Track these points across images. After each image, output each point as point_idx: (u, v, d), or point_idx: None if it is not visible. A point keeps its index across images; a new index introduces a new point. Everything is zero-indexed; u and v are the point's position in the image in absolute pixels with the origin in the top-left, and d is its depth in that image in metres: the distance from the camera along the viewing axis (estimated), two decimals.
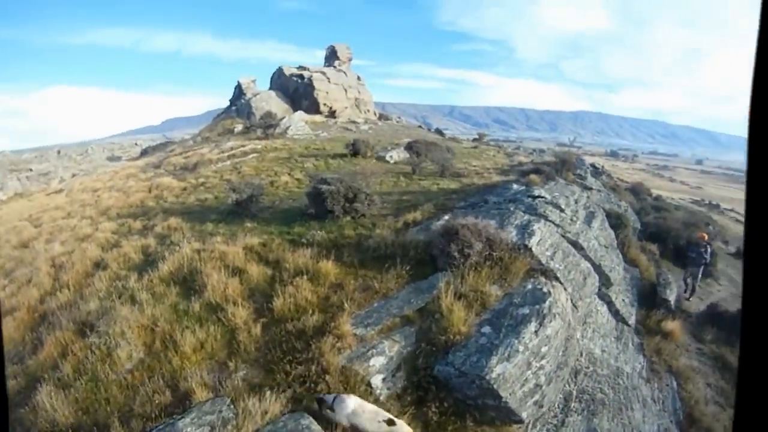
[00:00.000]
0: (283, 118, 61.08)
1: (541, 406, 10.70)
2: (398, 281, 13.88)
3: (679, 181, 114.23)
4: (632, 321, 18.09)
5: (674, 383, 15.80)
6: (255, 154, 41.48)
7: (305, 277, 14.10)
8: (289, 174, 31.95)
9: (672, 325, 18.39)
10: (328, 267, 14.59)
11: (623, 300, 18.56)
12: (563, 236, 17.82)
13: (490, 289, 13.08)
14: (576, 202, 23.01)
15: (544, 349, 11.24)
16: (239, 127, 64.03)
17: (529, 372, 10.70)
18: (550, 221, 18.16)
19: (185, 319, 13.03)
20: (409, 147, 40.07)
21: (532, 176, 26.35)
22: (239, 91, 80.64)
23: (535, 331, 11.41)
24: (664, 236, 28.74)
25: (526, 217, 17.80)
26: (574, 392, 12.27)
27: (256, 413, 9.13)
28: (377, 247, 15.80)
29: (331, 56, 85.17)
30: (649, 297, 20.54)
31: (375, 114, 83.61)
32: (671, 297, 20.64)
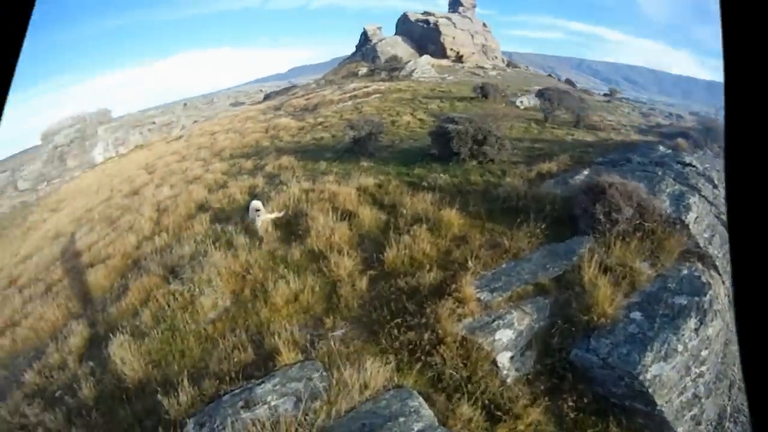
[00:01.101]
0: (409, 61, 59.95)
1: (699, 423, 8.77)
2: (531, 240, 11.68)
3: None
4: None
5: None
6: (378, 95, 40.33)
7: (424, 225, 12.35)
8: (411, 114, 30.40)
9: None
10: (452, 216, 12.64)
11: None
12: (717, 217, 15.01)
13: (640, 266, 10.77)
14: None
15: (704, 353, 9.15)
16: (363, 70, 63.83)
17: (688, 378, 8.78)
18: (704, 197, 15.42)
19: (281, 266, 11.87)
20: (540, 94, 37.40)
21: (680, 140, 23.55)
22: (365, 38, 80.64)
23: (696, 329, 9.23)
24: None
25: (677, 186, 15.19)
26: (729, 409, 9.99)
27: (353, 386, 7.45)
28: (508, 198, 13.84)
29: (455, 2, 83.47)
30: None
31: (503, 61, 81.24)
32: None
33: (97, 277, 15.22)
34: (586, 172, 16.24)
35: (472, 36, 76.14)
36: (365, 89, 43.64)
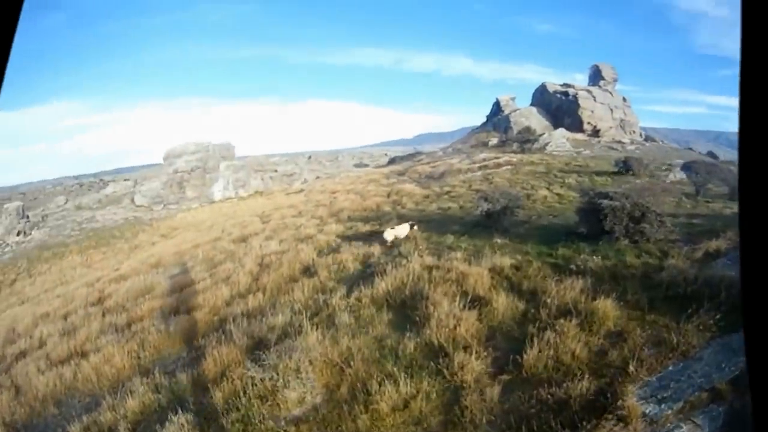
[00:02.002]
0: (543, 134, 58.99)
1: None
2: (701, 334, 9.40)
3: None
4: None
5: None
6: (509, 167, 39.25)
7: (572, 319, 10.14)
8: (547, 189, 28.75)
9: None
10: (607, 307, 10.44)
11: None
12: None
13: None
14: None
15: None
16: (494, 141, 63.09)
17: None
18: None
19: (391, 360, 9.95)
20: (686, 167, 35.71)
21: None
22: (497, 108, 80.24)
23: None
24: None
25: None
26: None
27: None
28: (673, 284, 11.50)
29: (596, 76, 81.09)
30: None
31: (641, 135, 77.61)
32: None
33: (178, 329, 14.23)
34: None
35: (612, 110, 74.13)
36: (496, 160, 42.88)
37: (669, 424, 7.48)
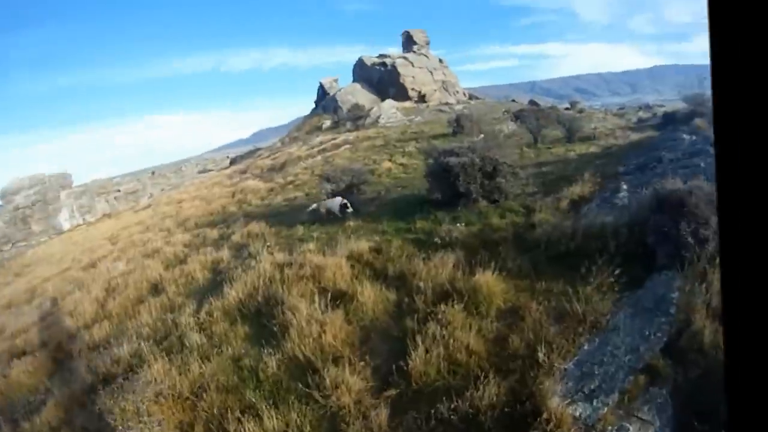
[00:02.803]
0: (372, 108, 58.19)
1: None
2: (605, 297, 8.32)
3: None
4: None
5: None
6: (348, 146, 38.46)
7: (455, 303, 8.55)
8: (390, 160, 27.94)
9: None
10: (489, 281, 9.00)
11: None
12: None
13: None
14: None
15: None
16: (327, 123, 61.97)
17: None
18: None
19: (251, 384, 8.15)
20: (517, 117, 35.79)
21: (698, 121, 23.12)
22: (323, 92, 78.72)
23: None
24: None
25: None
26: None
27: None
28: (551, 242, 10.51)
29: (408, 42, 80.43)
30: None
31: (465, 94, 78.83)
32: None
33: (20, 377, 12.15)
34: (625, 187, 13.97)
35: (431, 73, 74.03)
36: (333, 141, 42.10)
37: (611, 427, 6.15)
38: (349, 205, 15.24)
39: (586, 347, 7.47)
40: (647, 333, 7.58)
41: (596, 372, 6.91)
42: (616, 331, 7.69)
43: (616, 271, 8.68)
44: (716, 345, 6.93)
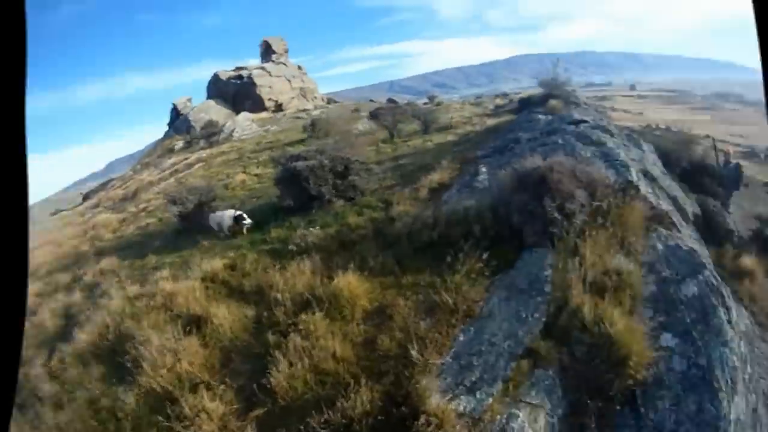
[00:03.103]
0: (226, 123, 55.72)
1: None
2: (476, 283, 8.08)
3: (621, 110, 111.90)
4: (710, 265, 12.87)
5: None
6: (201, 164, 37.33)
7: (316, 310, 8.03)
8: (244, 172, 27.29)
9: (750, 261, 13.68)
10: (351, 283, 8.51)
11: (694, 238, 13.46)
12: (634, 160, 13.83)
13: (621, 262, 8.32)
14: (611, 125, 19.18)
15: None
16: (180, 144, 59.41)
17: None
18: (611, 149, 13.86)
19: (111, 428, 7.42)
20: (373, 115, 36.08)
21: (553, 102, 22.40)
22: (176, 113, 75.61)
23: (732, 325, 7.23)
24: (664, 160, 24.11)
25: (592, 148, 13.64)
26: None
27: None
28: (413, 233, 10.25)
29: (267, 51, 78.94)
30: (706, 230, 15.61)
31: (324, 99, 78.17)
32: (734, 226, 16.88)
33: None
34: (484, 169, 14.00)
35: (290, 81, 73.50)
36: (185, 161, 40.69)
37: (499, 417, 5.86)
38: (245, 216, 13.67)
39: (461, 338, 7.21)
40: (524, 315, 7.45)
41: (475, 363, 6.64)
42: (491, 317, 7.53)
43: (484, 256, 8.44)
44: (598, 319, 6.91)
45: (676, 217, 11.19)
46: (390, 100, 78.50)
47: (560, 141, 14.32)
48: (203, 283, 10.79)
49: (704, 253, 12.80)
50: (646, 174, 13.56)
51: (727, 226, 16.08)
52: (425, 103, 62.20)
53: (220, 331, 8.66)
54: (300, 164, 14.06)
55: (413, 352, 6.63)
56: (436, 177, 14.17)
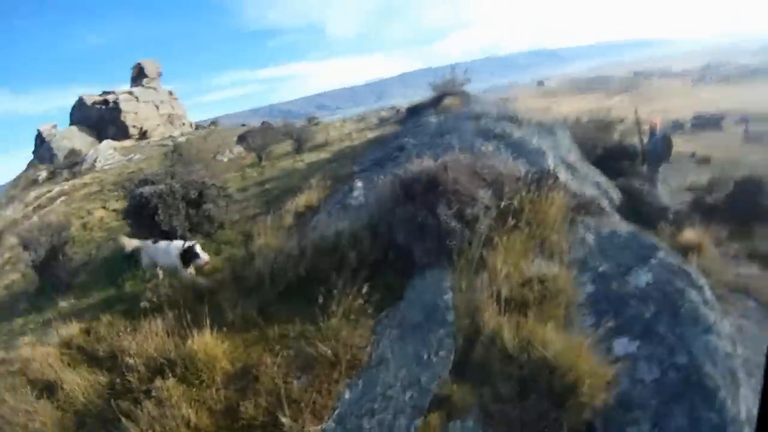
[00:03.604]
0: (89, 152, 54.44)
1: None
2: (359, 324, 7.36)
3: (526, 108, 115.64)
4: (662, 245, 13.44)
5: (752, 302, 12.10)
6: (64, 197, 36.09)
7: (170, 375, 7.22)
8: (103, 208, 26.12)
9: (693, 234, 13.81)
10: (207, 342, 7.59)
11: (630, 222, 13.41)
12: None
13: (543, 267, 7.47)
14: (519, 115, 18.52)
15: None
16: (43, 174, 57.24)
17: None
18: (521, 138, 13.75)
19: None
20: (242, 138, 36.42)
21: (448, 101, 22.29)
22: (40, 140, 73.23)
23: (710, 306, 6.76)
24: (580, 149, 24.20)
25: (495, 141, 13.28)
26: None
27: None
28: (277, 270, 9.22)
29: (139, 75, 77.67)
30: (636, 214, 15.32)
31: (191, 126, 76.97)
32: (668, 202, 16.86)
33: None
34: (360, 184, 13.41)
35: (158, 107, 72.67)
36: (48, 195, 39.31)
37: None
38: (197, 248, 10.56)
39: (347, 396, 6.37)
40: (426, 356, 6.56)
41: (367, 426, 5.88)
42: (383, 365, 6.68)
43: (364, 289, 7.57)
44: (524, 343, 6.00)
45: (605, 203, 11.14)
46: (264, 123, 78.65)
47: (455, 141, 13.46)
48: (60, 348, 10.06)
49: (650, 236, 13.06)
50: (563, 161, 13.39)
51: (660, 204, 15.98)
52: (305, 126, 63.08)
53: (72, 397, 7.98)
54: (147, 190, 12.78)
55: (284, 419, 5.87)
56: (302, 199, 13.66)
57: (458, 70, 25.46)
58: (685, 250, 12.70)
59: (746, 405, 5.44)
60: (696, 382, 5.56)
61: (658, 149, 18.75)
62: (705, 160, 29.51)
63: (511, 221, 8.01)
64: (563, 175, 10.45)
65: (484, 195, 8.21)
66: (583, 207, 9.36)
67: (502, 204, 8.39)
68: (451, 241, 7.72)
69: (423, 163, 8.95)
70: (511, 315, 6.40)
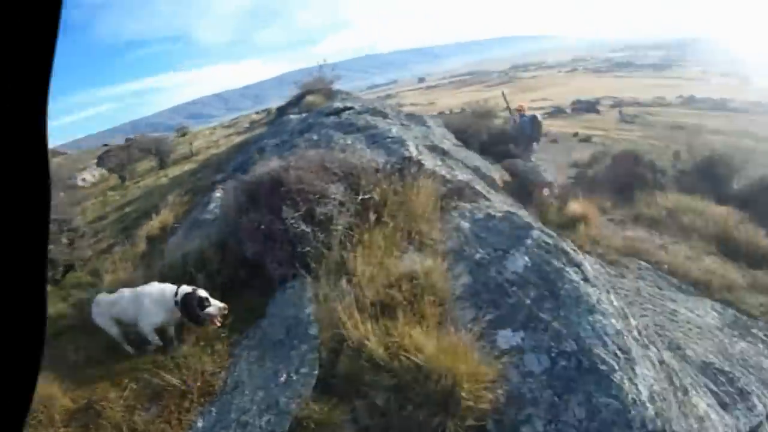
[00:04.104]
0: None
1: None
2: (213, 348, 7.10)
3: (410, 104, 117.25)
4: (537, 223, 12.89)
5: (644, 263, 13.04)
6: None
7: None
8: None
9: (578, 206, 15.08)
10: (41, 384, 6.55)
11: (511, 203, 13.64)
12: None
13: (412, 262, 7.13)
14: (386, 107, 18.76)
15: None
16: None
17: None
18: (382, 129, 13.14)
19: None
20: (101, 160, 35.23)
21: (310, 98, 22.85)
22: None
23: (591, 282, 6.54)
24: (459, 138, 23.47)
25: (356, 134, 12.85)
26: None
27: None
28: None
29: None
30: (525, 194, 16.23)
31: None
32: (552, 178, 17.87)
33: None
34: (219, 195, 12.70)
35: None
36: None
37: None
38: (206, 299, 7.20)
39: (200, 424, 6.08)
40: (285, 376, 6.15)
41: None
42: (239, 389, 6.33)
43: (228, 320, 7.21)
44: (396, 349, 5.58)
45: (482, 186, 10.79)
46: (128, 140, 76.43)
47: (315, 137, 13.38)
48: None
49: (524, 213, 12.71)
50: (435, 148, 13.19)
51: (543, 180, 16.73)
52: (180, 136, 61.62)
53: None
54: None
55: None
56: (156, 221, 13.25)
57: (326, 69, 25.66)
58: (573, 222, 14.30)
59: (646, 382, 5.29)
60: (588, 368, 5.36)
61: (527, 130, 20.05)
62: (587, 139, 31.16)
63: (372, 216, 7.66)
64: (430, 162, 10.26)
65: (337, 190, 7.84)
66: (456, 192, 9.14)
67: (359, 198, 8.00)
68: (304, 247, 7.33)
69: (269, 165, 8.59)
70: (378, 320, 6.04)
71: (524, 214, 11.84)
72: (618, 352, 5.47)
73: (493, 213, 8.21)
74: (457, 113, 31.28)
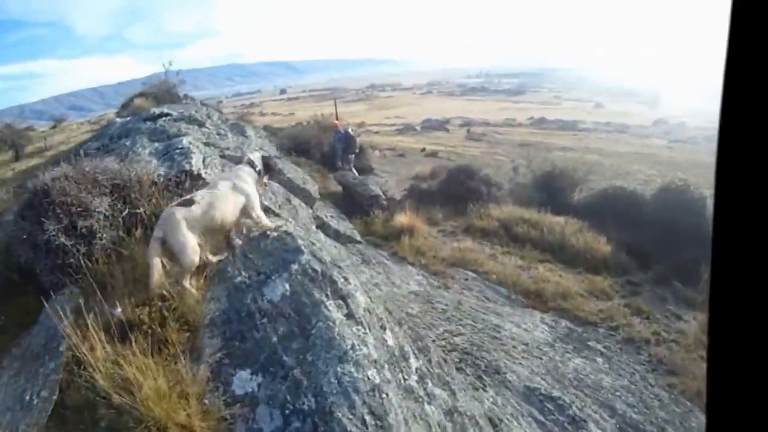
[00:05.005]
0: None
1: None
2: None
3: (270, 113, 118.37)
4: (358, 236, 14.49)
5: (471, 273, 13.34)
6: None
7: None
8: None
9: (405, 218, 15.29)
10: None
11: (331, 215, 14.99)
12: (223, 156, 13.04)
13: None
14: (209, 116, 19.61)
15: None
16: None
17: None
18: (179, 140, 12.58)
19: None
20: None
21: (138, 101, 23.25)
22: None
23: (357, 319, 5.44)
24: (302, 149, 25.34)
25: (157, 144, 12.61)
26: None
27: None
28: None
29: None
30: (348, 202, 17.29)
31: None
32: (378, 191, 17.93)
33: None
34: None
35: None
36: None
37: None
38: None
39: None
40: (28, 397, 5.19)
41: None
42: None
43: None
44: (119, 381, 4.61)
45: (283, 199, 11.20)
46: (7, 126, 72.92)
47: (128, 143, 13.15)
48: None
49: (346, 225, 14.72)
50: (240, 160, 12.22)
51: (370, 193, 17.04)
52: (53, 126, 59.35)
53: None
54: None
55: None
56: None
57: (171, 74, 25.92)
58: (399, 234, 14.56)
59: None
60: None
61: (343, 144, 20.84)
62: (433, 154, 31.94)
63: (139, 231, 7.13)
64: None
65: (102, 204, 7.33)
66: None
67: (126, 212, 7.49)
68: (66, 260, 6.79)
69: (47, 174, 7.91)
70: (118, 345, 5.07)
71: (348, 226, 11.71)
72: (368, 418, 4.27)
73: (268, 232, 6.99)
74: (303, 125, 31.57)
